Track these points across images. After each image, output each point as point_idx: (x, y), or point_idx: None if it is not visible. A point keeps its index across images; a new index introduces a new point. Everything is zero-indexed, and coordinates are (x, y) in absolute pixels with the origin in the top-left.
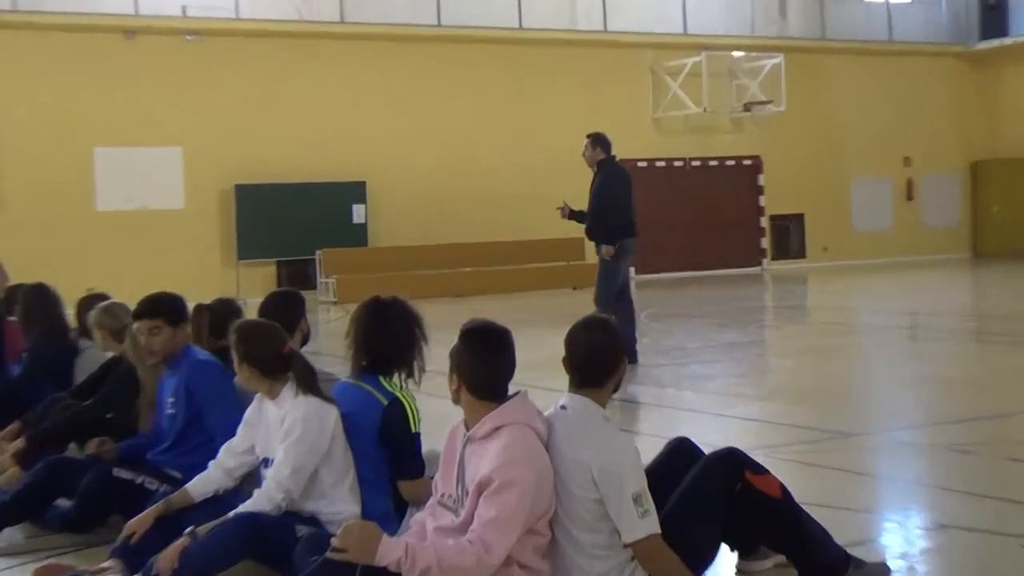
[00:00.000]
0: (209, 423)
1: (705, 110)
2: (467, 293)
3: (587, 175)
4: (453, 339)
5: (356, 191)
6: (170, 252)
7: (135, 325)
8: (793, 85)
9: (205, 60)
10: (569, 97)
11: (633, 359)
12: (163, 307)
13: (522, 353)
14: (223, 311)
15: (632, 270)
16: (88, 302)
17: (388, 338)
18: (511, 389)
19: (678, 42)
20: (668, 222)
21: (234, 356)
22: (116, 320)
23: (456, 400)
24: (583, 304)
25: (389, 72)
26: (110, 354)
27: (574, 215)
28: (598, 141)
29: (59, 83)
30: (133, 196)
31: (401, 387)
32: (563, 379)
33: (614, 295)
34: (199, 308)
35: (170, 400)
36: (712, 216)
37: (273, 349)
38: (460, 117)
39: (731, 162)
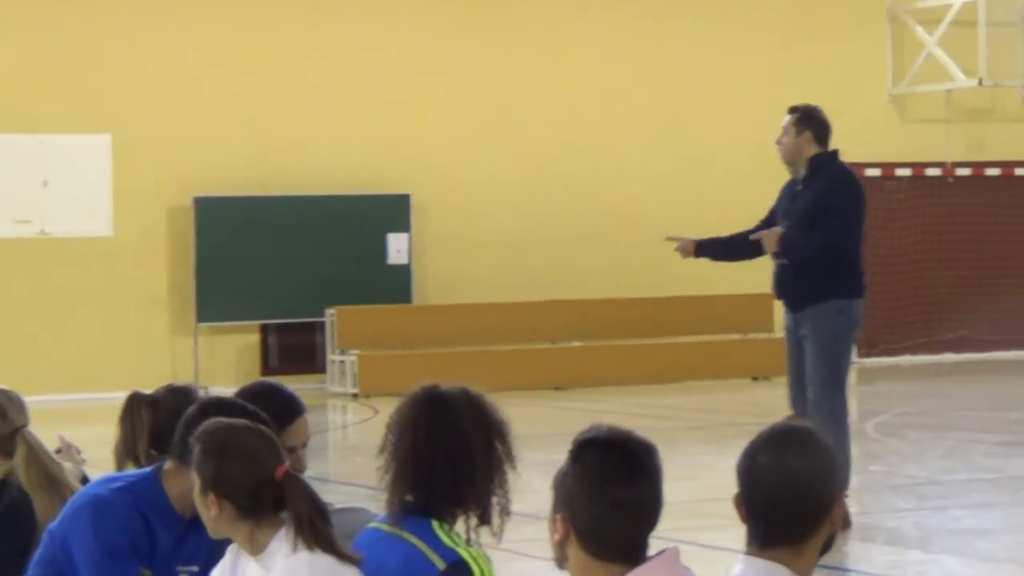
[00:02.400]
0: None
1: (981, 82)
2: (573, 384)
3: (775, 186)
4: (554, 459)
5: (394, 212)
6: (88, 308)
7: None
8: None
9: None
10: (755, 57)
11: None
12: None
13: (666, 488)
14: (173, 407)
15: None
16: None
17: (450, 458)
18: (652, 545)
19: None
20: (912, 271)
21: (195, 482)
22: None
23: (561, 559)
24: (772, 405)
25: (446, 25)
26: None
27: (707, 249)
28: (809, 120)
29: None
30: (25, 216)
31: (469, 540)
32: (736, 531)
33: (843, 390)
34: (135, 401)
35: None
36: (988, 261)
37: (260, 472)
38: (569, 87)
39: (1023, 171)
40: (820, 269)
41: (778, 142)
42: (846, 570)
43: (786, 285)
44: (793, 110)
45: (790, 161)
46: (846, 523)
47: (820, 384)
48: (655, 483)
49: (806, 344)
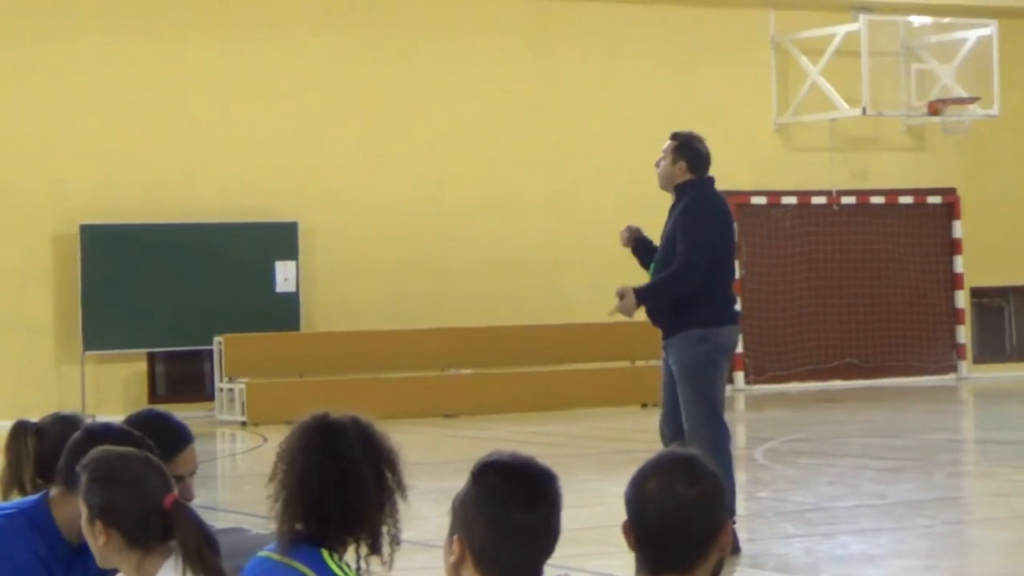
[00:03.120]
0: None
1: (865, 112)
2: (463, 411)
3: (658, 212)
4: (445, 487)
5: (281, 239)
6: None
7: None
8: (1012, 72)
9: (38, 18)
10: (640, 86)
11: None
12: None
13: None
14: (59, 435)
15: (732, 377)
16: None
17: (341, 486)
18: (546, 573)
19: None
20: (799, 298)
21: (83, 511)
22: None
23: None
24: (655, 432)
25: (335, 52)
26: None
27: (641, 247)
28: (686, 148)
29: None
30: None
31: (359, 569)
32: (626, 558)
33: (720, 417)
34: (20, 430)
35: None
36: (875, 289)
37: (148, 500)
38: (456, 115)
39: (907, 199)
40: (682, 298)
41: (656, 164)
42: None
43: (655, 314)
44: (674, 137)
45: (663, 186)
46: (735, 549)
47: (690, 413)
48: (555, 509)
49: (675, 372)
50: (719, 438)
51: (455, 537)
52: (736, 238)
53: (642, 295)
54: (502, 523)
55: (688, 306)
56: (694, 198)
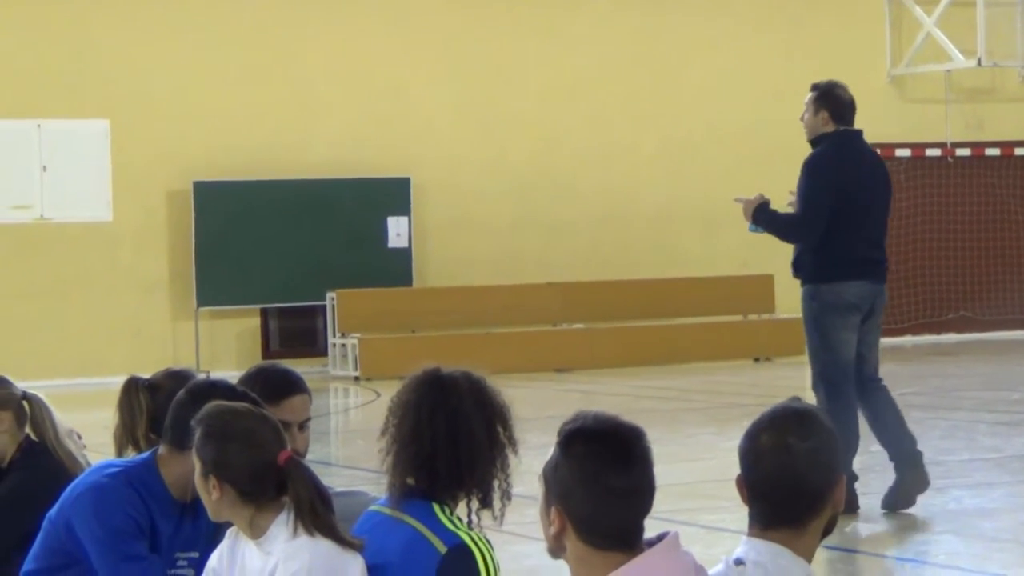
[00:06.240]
0: None
1: (980, 63)
2: (574, 366)
3: (771, 165)
4: (555, 442)
5: (394, 195)
6: (88, 293)
7: None
8: None
9: None
10: (752, 37)
11: (851, 492)
12: None
13: (666, 470)
14: (172, 391)
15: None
16: None
17: (453, 441)
18: (654, 527)
19: None
20: (913, 251)
21: (196, 465)
22: None
23: (557, 549)
24: (773, 386)
25: (445, 7)
26: None
27: (763, 215)
28: (827, 96)
29: None
30: (25, 201)
31: (470, 523)
32: (737, 513)
33: (836, 374)
34: (132, 386)
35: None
36: (989, 242)
37: (262, 456)
38: (566, 69)
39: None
40: (800, 253)
41: (801, 119)
42: (849, 551)
43: (793, 264)
44: (814, 87)
45: (810, 140)
46: (854, 507)
47: (812, 368)
48: (648, 468)
49: None
50: (834, 395)
51: (554, 508)
52: (883, 191)
53: (759, 213)
54: (599, 490)
55: (801, 262)
56: (816, 154)
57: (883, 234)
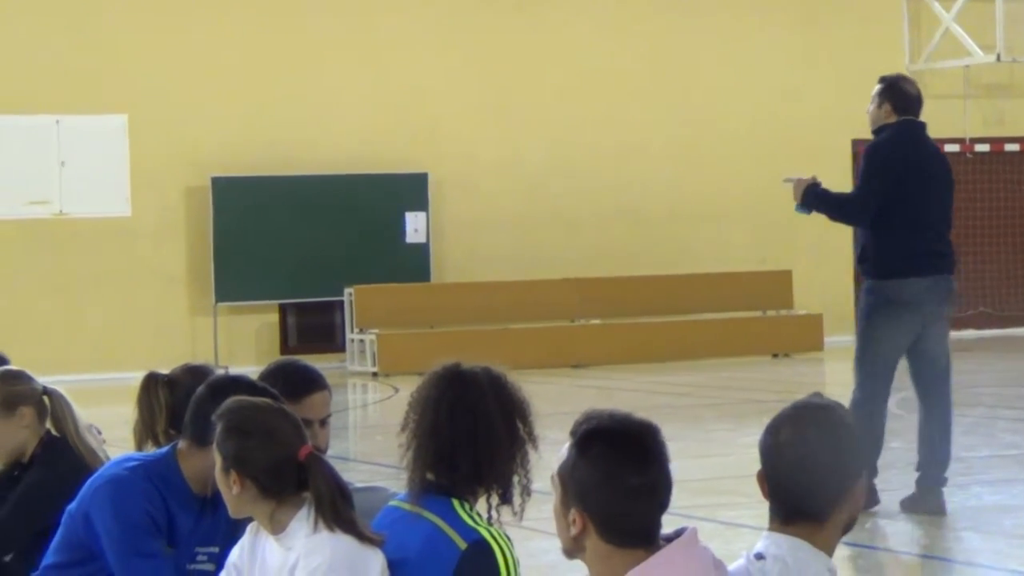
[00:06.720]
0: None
1: (999, 58)
2: (592, 362)
3: (788, 161)
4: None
5: (412, 190)
6: (106, 288)
7: None
8: None
9: None
10: (769, 32)
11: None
12: None
13: (683, 466)
14: (190, 386)
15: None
16: None
17: (472, 436)
18: (673, 522)
19: None
20: None
21: (217, 460)
22: None
23: (575, 550)
24: (791, 382)
25: (464, 2)
26: None
27: (814, 194)
28: (891, 89)
29: None
30: (43, 196)
31: (490, 519)
32: (755, 509)
33: (874, 365)
34: (151, 382)
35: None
36: (1008, 237)
37: (282, 451)
38: (580, 66)
39: None
40: (864, 248)
41: (868, 111)
42: (869, 547)
43: (857, 259)
44: (881, 80)
45: (873, 130)
46: (873, 501)
47: (855, 362)
48: (664, 464)
49: None
50: (868, 394)
51: (574, 510)
52: (944, 182)
53: (811, 194)
54: (618, 490)
55: (865, 256)
56: (874, 142)
57: (948, 226)
